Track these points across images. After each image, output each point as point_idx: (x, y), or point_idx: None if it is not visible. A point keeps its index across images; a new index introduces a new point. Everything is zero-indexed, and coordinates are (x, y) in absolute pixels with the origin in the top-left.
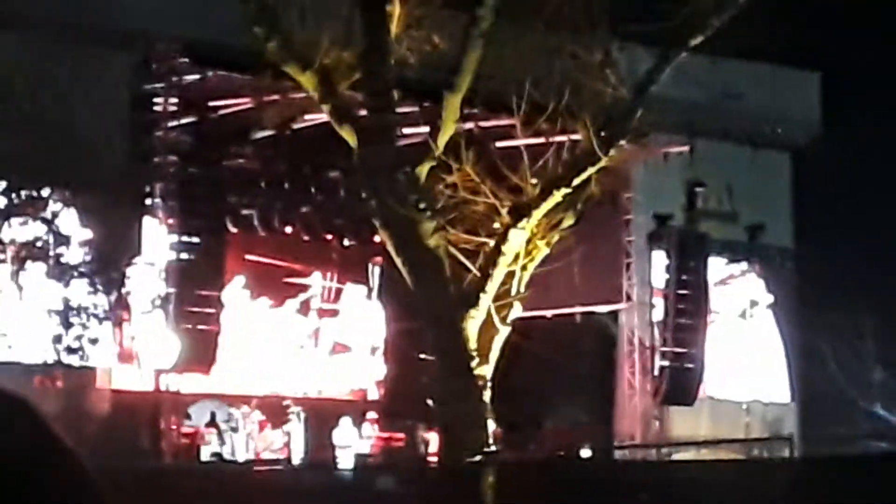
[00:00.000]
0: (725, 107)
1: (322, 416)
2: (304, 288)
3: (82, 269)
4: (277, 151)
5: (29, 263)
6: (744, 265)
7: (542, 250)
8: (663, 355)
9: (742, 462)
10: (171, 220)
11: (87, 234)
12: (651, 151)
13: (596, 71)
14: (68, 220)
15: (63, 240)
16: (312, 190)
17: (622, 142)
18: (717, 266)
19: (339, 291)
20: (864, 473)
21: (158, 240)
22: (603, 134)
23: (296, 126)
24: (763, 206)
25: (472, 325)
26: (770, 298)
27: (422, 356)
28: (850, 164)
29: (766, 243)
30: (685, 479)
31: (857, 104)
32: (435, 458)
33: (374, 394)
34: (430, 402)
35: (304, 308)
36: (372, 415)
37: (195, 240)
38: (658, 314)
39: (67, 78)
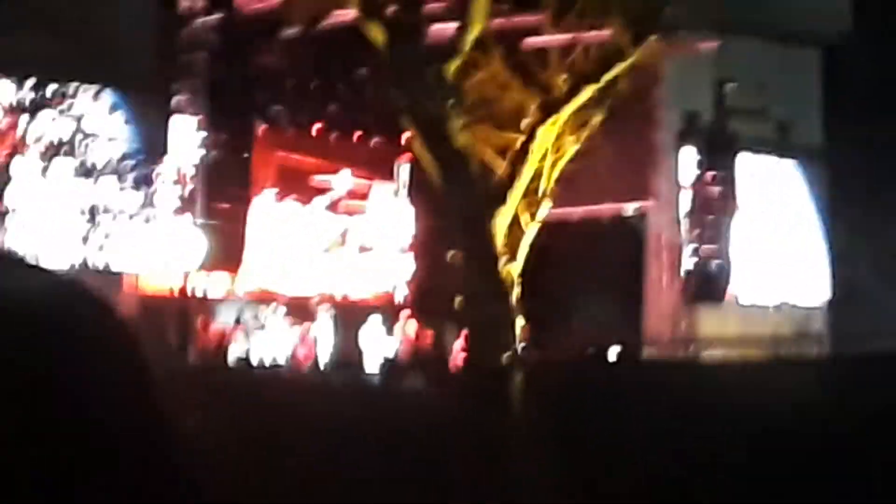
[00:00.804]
0: (754, 1)
1: (350, 316)
2: (333, 186)
3: (110, 168)
4: (305, 49)
5: (56, 160)
6: (775, 161)
7: (571, 148)
8: (691, 254)
9: (771, 360)
10: (198, 118)
11: (115, 131)
12: (680, 48)
13: None
14: (95, 117)
15: (90, 137)
16: (340, 88)
17: (651, 38)
18: (746, 161)
19: (367, 189)
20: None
21: (186, 137)
22: (632, 30)
23: (324, 23)
24: (794, 102)
25: (501, 222)
26: (803, 191)
27: (450, 255)
28: (881, 60)
29: (797, 141)
30: (714, 378)
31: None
32: (463, 357)
33: (401, 295)
34: (458, 300)
35: (333, 206)
36: (402, 315)
37: (223, 137)
38: (686, 212)
39: None
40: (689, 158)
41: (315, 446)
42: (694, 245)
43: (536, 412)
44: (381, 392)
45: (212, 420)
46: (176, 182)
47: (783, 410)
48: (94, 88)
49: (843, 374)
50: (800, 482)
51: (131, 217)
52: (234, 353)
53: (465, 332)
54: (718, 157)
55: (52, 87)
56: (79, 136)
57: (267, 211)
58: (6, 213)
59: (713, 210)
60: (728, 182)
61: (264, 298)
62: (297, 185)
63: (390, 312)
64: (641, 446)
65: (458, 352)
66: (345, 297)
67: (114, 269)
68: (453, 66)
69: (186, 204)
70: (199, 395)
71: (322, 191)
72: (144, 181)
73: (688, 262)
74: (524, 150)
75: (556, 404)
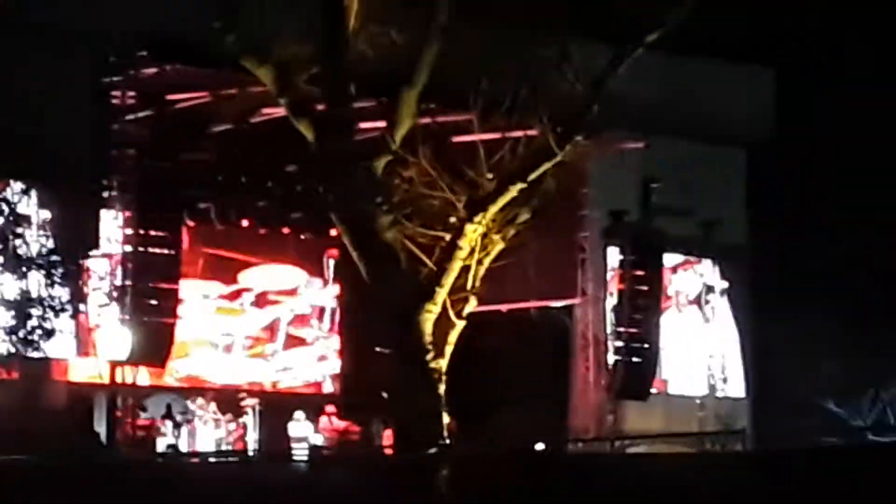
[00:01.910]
0: (680, 103)
1: (278, 408)
2: (261, 281)
3: (39, 261)
4: (235, 145)
5: None
6: (699, 259)
7: (498, 245)
8: (617, 350)
9: (695, 455)
10: (128, 213)
11: (45, 225)
12: (606, 148)
13: (552, 67)
14: (26, 211)
15: (20, 231)
16: (269, 183)
17: (578, 138)
18: (672, 261)
19: (295, 284)
20: (815, 467)
21: (116, 233)
22: (559, 130)
23: (253, 120)
24: (718, 201)
25: (428, 318)
26: (725, 284)
27: (378, 349)
28: (803, 160)
29: (721, 239)
30: (638, 472)
31: (811, 101)
32: (389, 451)
33: (329, 387)
34: (384, 394)
35: (260, 301)
36: (329, 408)
37: (152, 232)
38: (612, 310)
39: (27, 71)
40: (615, 256)
41: None
42: (620, 341)
43: None
44: (310, 482)
45: None
46: (105, 276)
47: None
48: (23, 183)
49: (764, 468)
50: None
51: (60, 310)
52: (162, 444)
53: (392, 425)
54: (644, 254)
55: None
56: (8, 230)
57: (195, 305)
58: None
59: (639, 307)
60: (654, 279)
61: (193, 389)
62: (225, 279)
63: (318, 404)
64: None
65: (385, 444)
66: (273, 388)
67: (43, 359)
68: (382, 163)
69: (115, 297)
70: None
71: (251, 286)
72: (73, 274)
73: (613, 358)
74: (451, 247)
75: (482, 498)
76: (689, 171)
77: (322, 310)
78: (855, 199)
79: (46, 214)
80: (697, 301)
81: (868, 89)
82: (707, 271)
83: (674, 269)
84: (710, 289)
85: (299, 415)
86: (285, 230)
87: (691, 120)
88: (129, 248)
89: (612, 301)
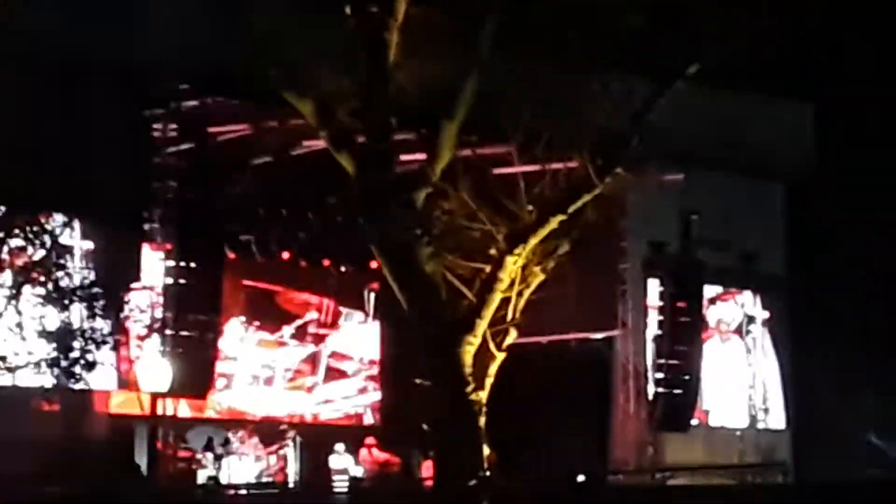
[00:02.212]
0: (721, 137)
1: (318, 440)
2: (301, 314)
3: (81, 293)
4: (276, 178)
5: (27, 287)
6: (738, 291)
7: (538, 277)
8: (657, 382)
9: (736, 487)
10: (169, 245)
11: (87, 258)
12: (647, 180)
13: (593, 99)
14: (67, 244)
15: (62, 264)
16: (310, 216)
17: (618, 170)
18: (712, 292)
19: (336, 317)
20: (857, 499)
21: (157, 265)
22: (599, 162)
23: (294, 152)
24: (757, 234)
25: (468, 350)
26: (765, 315)
27: (418, 381)
28: (843, 195)
29: (760, 271)
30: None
31: (852, 136)
32: (429, 483)
33: (370, 418)
34: (425, 426)
35: (301, 333)
36: (369, 440)
37: (193, 265)
38: (652, 341)
39: (69, 103)
40: (655, 288)
41: None
42: (661, 373)
43: None
44: None
45: None
46: (146, 308)
47: None
48: (65, 216)
49: (806, 500)
50: None
51: (101, 342)
52: (202, 476)
53: (432, 457)
54: (684, 286)
55: (23, 216)
56: (50, 262)
57: (236, 337)
58: None
59: (680, 338)
60: (694, 311)
61: (233, 422)
62: (266, 312)
63: (359, 436)
64: None
65: (425, 476)
66: (314, 420)
67: (84, 391)
68: (422, 195)
69: (156, 329)
70: None
71: (291, 318)
72: (115, 307)
73: (654, 390)
74: (492, 279)
75: None
76: (729, 204)
77: (362, 342)
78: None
79: (88, 246)
80: (738, 331)
81: None
82: (748, 302)
83: (714, 300)
84: (750, 319)
85: (340, 447)
86: (325, 262)
87: (732, 153)
88: (170, 281)
89: (652, 333)
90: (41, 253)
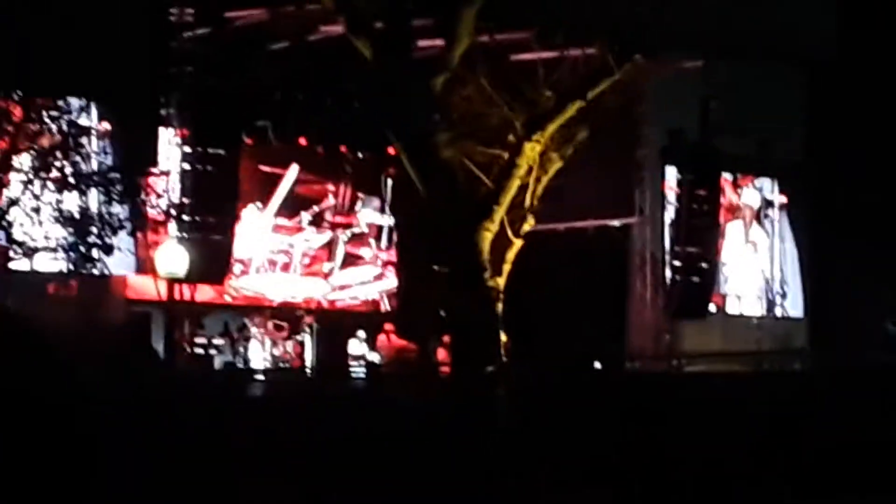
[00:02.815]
0: (740, 21)
1: (335, 326)
2: (319, 199)
3: (98, 178)
4: (293, 62)
5: (44, 172)
6: (757, 177)
7: (556, 163)
8: (674, 269)
9: (753, 374)
10: (185, 131)
11: (104, 143)
12: (665, 66)
13: None
14: (84, 129)
15: (79, 148)
16: (327, 101)
17: (636, 56)
18: (730, 177)
19: (353, 203)
20: (875, 385)
21: (174, 150)
22: (617, 48)
23: (311, 37)
24: (776, 121)
25: (486, 236)
26: (783, 199)
27: (435, 267)
28: (863, 82)
29: (779, 157)
30: (697, 390)
31: (874, 21)
32: (447, 369)
33: (386, 305)
34: (442, 313)
35: (318, 219)
36: (387, 326)
37: (209, 150)
38: (670, 228)
39: None
40: (672, 175)
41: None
42: (678, 260)
43: (521, 421)
44: (368, 399)
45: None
46: (163, 193)
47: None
48: (82, 101)
49: (824, 386)
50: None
51: (118, 227)
52: (219, 362)
53: (449, 343)
54: (702, 173)
55: (40, 100)
56: (67, 146)
57: (253, 223)
58: None
59: (697, 226)
60: (711, 198)
61: (250, 307)
62: (284, 199)
63: (376, 322)
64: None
65: (442, 363)
66: (331, 306)
67: (102, 276)
68: (440, 81)
69: (173, 215)
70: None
71: (308, 204)
72: (132, 192)
73: (671, 277)
74: (509, 166)
75: (540, 414)
76: (749, 90)
77: (380, 228)
78: None
79: (105, 132)
80: (757, 216)
81: None
82: (766, 187)
83: (733, 185)
84: (769, 203)
85: (360, 333)
86: (343, 148)
87: (751, 38)
88: (187, 166)
89: (669, 220)
90: (58, 138)
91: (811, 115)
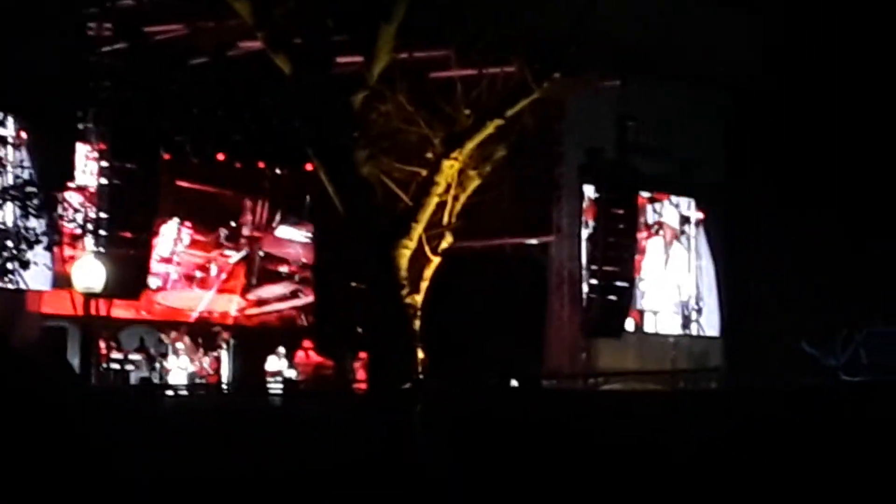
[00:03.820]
0: (663, 43)
1: (252, 342)
2: (236, 215)
3: (15, 192)
4: (211, 78)
5: None
6: (676, 198)
7: (475, 181)
8: (591, 288)
9: (669, 393)
10: (103, 145)
11: (20, 157)
12: (584, 85)
13: (532, 2)
14: (1, 143)
15: None
16: (246, 117)
17: (556, 75)
18: (648, 198)
19: (270, 219)
20: (788, 404)
21: (91, 164)
22: (537, 66)
23: (230, 53)
24: (697, 142)
25: (404, 254)
26: (700, 216)
27: (352, 284)
28: (786, 104)
29: (699, 179)
30: (611, 408)
31: (795, 44)
32: (363, 386)
33: (303, 321)
34: (359, 329)
35: (236, 235)
36: (305, 343)
37: (127, 165)
38: (588, 247)
39: (4, 3)
40: (590, 194)
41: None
42: (595, 279)
43: (437, 439)
44: (286, 415)
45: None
46: (80, 208)
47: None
48: None
49: (738, 405)
50: None
51: (35, 242)
52: (136, 377)
53: (366, 360)
54: (620, 192)
55: None
56: None
57: (171, 238)
58: None
59: (614, 244)
60: (629, 217)
61: (167, 323)
62: (200, 214)
63: (292, 339)
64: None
65: (359, 380)
66: (248, 322)
67: (18, 291)
68: (359, 97)
69: (90, 230)
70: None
71: (226, 219)
72: (49, 206)
73: (588, 296)
74: (427, 183)
75: (456, 432)
76: (669, 112)
77: (296, 244)
78: (835, 141)
79: (21, 146)
80: (673, 232)
81: (858, 34)
82: (682, 203)
83: (650, 200)
84: (686, 220)
85: (282, 349)
86: (261, 164)
87: (673, 60)
88: (104, 181)
89: (586, 238)
90: None
91: (732, 137)
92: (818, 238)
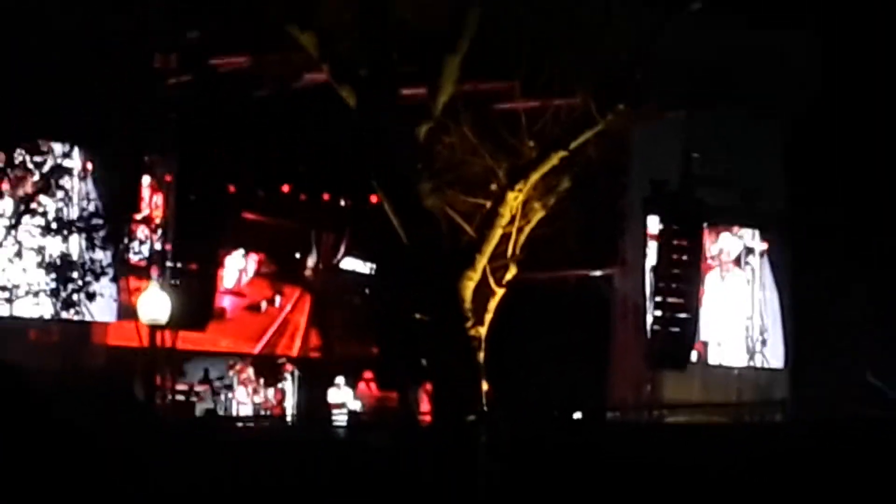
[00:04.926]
0: (725, 72)
1: (316, 374)
2: (300, 246)
3: (81, 224)
4: (276, 110)
5: (27, 217)
6: (739, 228)
7: (539, 213)
8: (655, 319)
9: (733, 425)
10: (169, 177)
11: (87, 188)
12: (649, 116)
13: (596, 32)
14: (68, 174)
15: (62, 194)
16: (310, 149)
17: (620, 106)
18: (712, 229)
19: (335, 251)
20: (854, 438)
21: (157, 196)
22: (600, 98)
23: (295, 84)
24: (759, 171)
25: (468, 285)
26: (764, 246)
27: (416, 316)
28: (844, 133)
29: (761, 209)
30: (677, 441)
31: (856, 71)
32: (428, 418)
33: (368, 353)
34: (423, 361)
35: (300, 266)
36: (367, 374)
37: (193, 197)
38: (652, 278)
39: (70, 33)
40: (655, 225)
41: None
42: (659, 310)
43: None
44: (351, 446)
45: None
46: (146, 240)
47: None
48: (65, 146)
49: (804, 438)
50: None
51: (100, 273)
52: (200, 409)
53: (430, 392)
54: (684, 224)
55: (25, 145)
56: (50, 192)
57: (237, 270)
58: None
59: (678, 276)
60: (694, 248)
61: (232, 354)
62: (265, 246)
63: (356, 371)
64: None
65: (423, 412)
66: (312, 355)
67: (83, 322)
68: (423, 129)
69: (156, 261)
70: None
71: (291, 252)
72: (115, 238)
73: (652, 328)
74: (492, 215)
75: (521, 462)
76: (732, 141)
77: (361, 275)
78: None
79: (88, 178)
80: (738, 263)
81: None
82: (746, 234)
83: (715, 232)
84: (749, 251)
85: (339, 380)
86: (325, 196)
87: (735, 89)
88: (170, 213)
89: (651, 270)
90: (41, 183)
91: (793, 165)
92: (884, 267)
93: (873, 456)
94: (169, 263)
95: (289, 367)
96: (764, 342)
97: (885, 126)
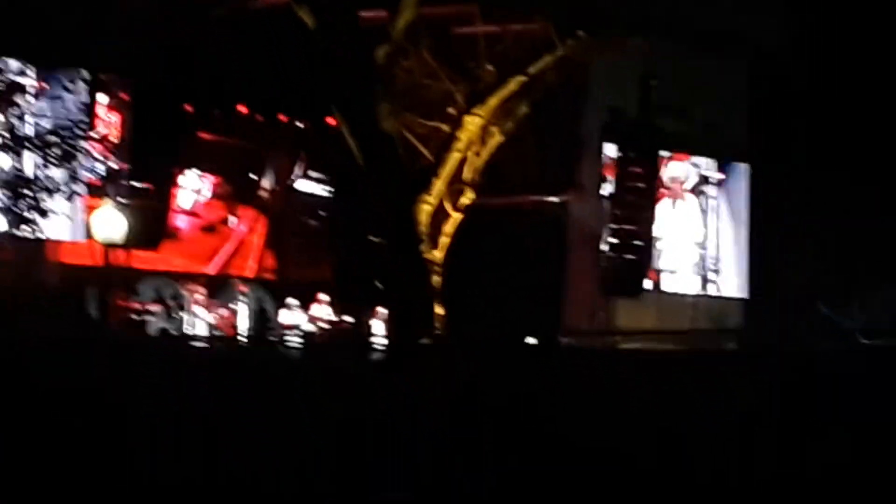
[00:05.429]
0: (688, 5)
1: (270, 295)
2: (256, 167)
3: (35, 141)
4: (234, 30)
5: None
6: (698, 159)
7: (496, 138)
8: (610, 246)
9: (687, 353)
10: (125, 96)
11: (40, 106)
12: (608, 44)
13: None
14: (21, 92)
15: (15, 111)
16: (267, 70)
17: (580, 32)
18: (670, 158)
19: (289, 172)
20: (808, 368)
21: (111, 114)
22: (560, 24)
23: (253, 5)
24: (720, 105)
25: (424, 209)
26: (721, 176)
27: (372, 238)
28: (810, 66)
29: (722, 141)
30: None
31: (822, 7)
32: (382, 340)
33: (322, 275)
34: (379, 284)
35: (255, 187)
36: (322, 296)
37: (148, 115)
38: (608, 205)
39: None
40: (612, 152)
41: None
42: (614, 237)
43: (454, 393)
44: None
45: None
46: (101, 158)
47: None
48: (19, 63)
49: (757, 369)
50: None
51: (54, 191)
52: (153, 328)
53: (385, 314)
54: (641, 152)
55: None
56: (4, 109)
57: (191, 190)
58: None
59: (634, 204)
60: (650, 176)
61: (185, 274)
62: (221, 167)
63: (310, 292)
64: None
65: (377, 334)
66: (265, 276)
67: (37, 240)
68: (382, 52)
69: (110, 180)
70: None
71: (246, 171)
72: (69, 156)
73: (608, 255)
74: (449, 139)
75: (474, 385)
76: (693, 73)
77: (317, 197)
78: (860, 105)
79: (41, 95)
80: (693, 191)
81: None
82: (703, 163)
83: (668, 159)
84: (706, 179)
85: (293, 302)
86: (282, 118)
87: (697, 23)
88: (126, 132)
89: (608, 196)
90: None
91: (755, 100)
92: (842, 200)
93: (826, 388)
94: (124, 182)
95: (243, 287)
96: (717, 271)
97: (849, 63)
